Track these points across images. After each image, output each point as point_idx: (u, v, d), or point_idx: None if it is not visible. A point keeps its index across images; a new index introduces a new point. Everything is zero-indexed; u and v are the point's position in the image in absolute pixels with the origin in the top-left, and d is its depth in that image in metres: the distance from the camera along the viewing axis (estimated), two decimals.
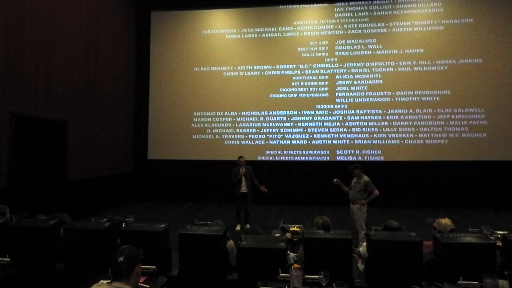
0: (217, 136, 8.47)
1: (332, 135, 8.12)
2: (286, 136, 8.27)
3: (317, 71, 8.28)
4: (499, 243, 2.80)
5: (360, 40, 8.18)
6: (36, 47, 5.29)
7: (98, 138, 6.99)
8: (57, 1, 5.80)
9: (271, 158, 8.23)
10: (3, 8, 4.69)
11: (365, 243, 2.63)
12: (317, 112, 8.20)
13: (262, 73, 8.44)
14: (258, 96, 8.40)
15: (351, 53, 8.19)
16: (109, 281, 1.58)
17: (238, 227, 5.58)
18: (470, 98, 7.71)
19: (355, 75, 8.14)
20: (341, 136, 8.09)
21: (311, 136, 8.19)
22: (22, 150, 5.07)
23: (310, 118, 8.23)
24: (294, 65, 8.35)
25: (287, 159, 8.22)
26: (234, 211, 5.81)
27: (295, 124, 8.26)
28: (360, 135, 8.01)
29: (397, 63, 8.03)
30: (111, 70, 7.55)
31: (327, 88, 8.21)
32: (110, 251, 2.01)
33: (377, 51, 8.11)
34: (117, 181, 7.75)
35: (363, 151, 7.97)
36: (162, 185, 8.56)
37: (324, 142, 8.14)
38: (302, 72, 8.32)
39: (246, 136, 8.38)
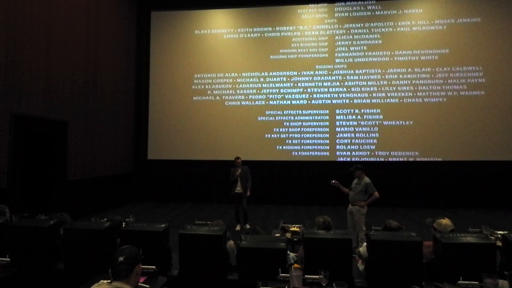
0: (217, 98, 8.52)
1: (332, 94, 8.21)
2: (286, 97, 8.35)
3: (316, 32, 8.36)
4: (499, 243, 2.80)
5: (359, 1, 8.26)
6: (36, 47, 5.29)
7: (98, 138, 6.99)
8: (57, 1, 5.80)
9: (271, 118, 8.32)
10: (3, 8, 4.69)
11: (365, 243, 2.63)
12: (316, 72, 8.29)
13: (262, 35, 8.51)
14: (258, 58, 8.48)
15: (350, 14, 8.28)
16: (109, 281, 1.58)
17: (238, 227, 5.59)
18: (468, 56, 7.79)
19: (355, 36, 8.23)
20: (340, 96, 8.18)
21: (310, 96, 8.27)
22: (22, 150, 5.07)
23: (310, 78, 8.31)
24: (294, 27, 8.43)
25: (286, 125, 8.26)
26: (234, 211, 5.82)
27: (295, 85, 8.35)
28: (359, 95, 8.11)
29: (396, 24, 8.12)
30: (111, 70, 7.55)
31: (326, 49, 8.29)
32: (110, 251, 2.01)
33: (376, 12, 8.19)
34: (117, 181, 7.76)
35: (362, 110, 8.05)
36: (162, 185, 8.56)
37: (323, 102, 8.23)
38: (302, 33, 8.40)
39: (247, 97, 8.46)
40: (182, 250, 2.48)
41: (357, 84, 8.12)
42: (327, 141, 8.12)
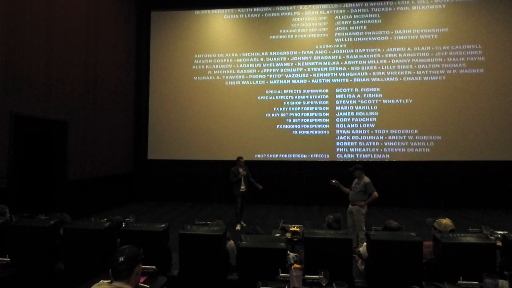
0: (217, 78, 8.57)
1: (331, 74, 8.25)
2: (286, 76, 8.38)
3: (316, 12, 8.42)
4: (499, 243, 2.80)
5: None
6: (36, 47, 5.29)
7: (98, 138, 6.99)
8: (57, 1, 5.80)
9: (271, 98, 8.37)
10: (3, 8, 4.69)
11: (365, 243, 2.63)
12: (316, 52, 8.33)
13: (262, 15, 8.55)
14: (258, 38, 8.52)
15: None
16: (109, 281, 1.58)
17: (238, 227, 5.60)
18: (467, 35, 7.84)
19: (354, 15, 8.27)
20: (340, 75, 8.22)
21: (310, 75, 8.32)
22: (22, 150, 5.07)
23: (310, 58, 8.35)
24: (294, 7, 8.47)
25: (286, 104, 8.31)
26: (234, 211, 5.83)
27: (295, 64, 8.39)
28: (359, 74, 8.15)
29: (395, 3, 8.16)
30: (111, 70, 7.55)
31: (326, 29, 8.34)
32: (110, 251, 2.01)
33: None
34: (117, 181, 7.76)
35: (361, 89, 8.09)
36: (162, 185, 8.56)
37: (323, 81, 8.27)
38: (302, 13, 8.45)
39: (247, 77, 8.50)
40: (182, 250, 2.48)
41: (356, 63, 8.18)
42: (327, 120, 8.18)
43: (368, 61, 8.12)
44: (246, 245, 2.34)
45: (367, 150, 7.95)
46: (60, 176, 5.90)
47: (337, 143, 8.08)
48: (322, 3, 8.38)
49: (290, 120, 8.28)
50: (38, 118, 5.35)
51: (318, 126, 8.18)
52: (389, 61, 8.06)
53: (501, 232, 3.19)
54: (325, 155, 8.10)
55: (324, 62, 8.29)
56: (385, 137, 7.94)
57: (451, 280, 2.05)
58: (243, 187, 5.71)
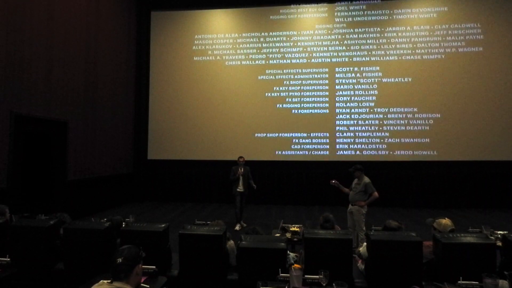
0: (218, 58, 8.60)
1: (331, 53, 8.30)
2: (286, 56, 8.43)
3: None
4: (499, 243, 2.80)
5: None
6: (36, 47, 5.29)
7: (98, 138, 6.99)
8: (57, 1, 5.80)
9: (271, 77, 8.41)
10: (3, 8, 4.69)
11: (365, 243, 2.63)
12: (316, 31, 8.38)
13: None
14: (259, 18, 8.57)
15: None
16: (109, 281, 1.58)
17: (238, 227, 5.60)
18: (467, 13, 7.89)
19: None
20: (340, 54, 8.27)
21: (310, 55, 8.36)
22: (22, 150, 5.07)
23: (310, 37, 8.40)
24: None
25: (286, 83, 8.37)
26: (234, 211, 5.83)
27: (295, 44, 8.43)
28: (358, 53, 8.20)
29: None
30: (111, 70, 7.55)
31: (326, 8, 8.40)
32: (110, 251, 2.01)
33: None
34: (117, 181, 7.75)
35: (361, 68, 8.14)
36: (162, 185, 8.56)
37: (323, 61, 8.32)
38: None
39: (247, 57, 8.53)
40: (182, 250, 2.48)
41: (356, 42, 8.22)
42: (327, 99, 8.22)
43: (367, 40, 8.19)
44: (246, 245, 2.34)
45: (366, 128, 8.03)
46: (60, 176, 5.90)
47: (337, 122, 8.15)
48: None
49: (290, 99, 8.34)
50: (38, 118, 5.35)
51: (318, 105, 8.25)
52: (388, 40, 8.13)
53: (501, 232, 3.19)
54: (325, 134, 8.17)
55: (324, 42, 8.35)
56: (385, 116, 8.01)
57: (451, 280, 2.06)
58: (240, 187, 5.69)
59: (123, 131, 8.08)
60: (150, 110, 8.76)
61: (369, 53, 8.16)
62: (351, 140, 8.06)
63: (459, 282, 2.02)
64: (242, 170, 5.68)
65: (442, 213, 6.60)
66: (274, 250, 2.29)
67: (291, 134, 8.25)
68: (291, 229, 3.52)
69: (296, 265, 2.09)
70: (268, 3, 8.51)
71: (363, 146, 8.01)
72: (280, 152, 8.25)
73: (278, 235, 3.20)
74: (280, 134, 8.29)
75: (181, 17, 8.82)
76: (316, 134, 8.17)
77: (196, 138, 8.52)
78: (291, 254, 2.75)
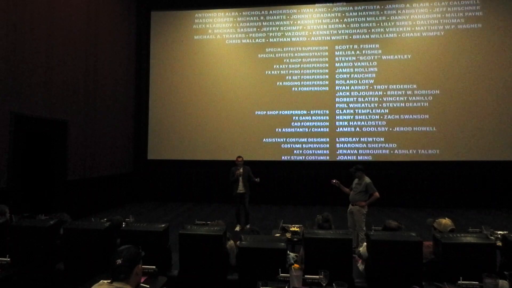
0: (218, 36, 8.63)
1: (331, 31, 8.36)
2: (286, 34, 8.48)
3: None
4: (499, 243, 2.80)
5: None
6: (36, 47, 5.29)
7: (98, 138, 6.99)
8: (57, 1, 5.80)
9: (271, 55, 8.45)
10: (3, 8, 4.69)
11: (365, 243, 2.63)
12: (316, 9, 8.44)
13: None
14: None
15: None
16: (109, 281, 1.58)
17: (238, 227, 5.57)
18: None
19: None
20: (339, 32, 8.33)
21: (310, 33, 8.41)
22: (22, 150, 5.06)
23: (309, 15, 8.45)
24: None
25: (286, 61, 8.42)
26: (234, 211, 5.80)
27: (295, 22, 8.48)
28: (358, 30, 8.26)
29: None
30: (111, 70, 7.55)
31: None
32: (110, 251, 2.01)
33: None
34: (117, 181, 7.75)
35: (361, 45, 8.20)
36: (162, 185, 8.56)
37: (323, 39, 8.37)
38: None
39: (247, 35, 8.56)
40: (182, 250, 2.48)
41: (356, 20, 8.28)
42: (327, 76, 8.28)
43: (367, 18, 8.25)
44: (246, 245, 2.33)
45: (366, 105, 8.08)
46: (60, 176, 5.89)
47: (337, 99, 8.21)
48: None
49: (290, 77, 8.40)
50: (38, 118, 5.35)
51: (318, 82, 8.31)
52: (388, 18, 8.19)
53: (501, 232, 3.19)
54: (324, 111, 8.22)
55: (323, 20, 8.40)
56: (384, 92, 8.06)
57: (451, 280, 2.05)
58: (240, 189, 5.52)
59: (123, 131, 8.08)
60: (150, 110, 8.76)
61: (369, 30, 8.23)
62: (350, 117, 8.13)
63: (459, 282, 2.02)
64: (241, 170, 5.54)
65: (442, 213, 6.60)
66: (274, 250, 2.29)
67: (291, 112, 8.32)
68: (291, 229, 3.52)
69: (296, 265, 2.09)
70: None
71: (362, 123, 8.07)
72: (280, 130, 8.31)
73: (278, 235, 3.20)
74: (280, 112, 8.35)
75: (181, 17, 8.82)
76: (316, 112, 8.24)
77: (196, 138, 8.52)
78: (291, 254, 2.75)
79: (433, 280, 2.14)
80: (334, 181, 4.60)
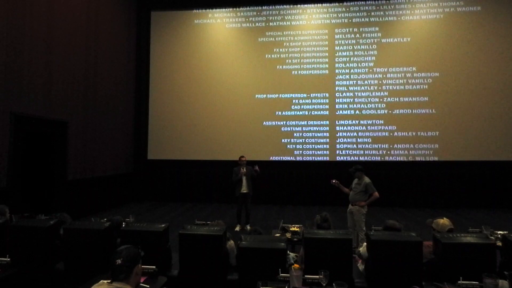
0: (218, 21, 8.68)
1: (331, 14, 8.41)
2: (286, 18, 8.53)
3: None
4: (499, 243, 2.80)
5: None
6: (36, 47, 5.29)
7: (98, 138, 6.99)
8: (57, 2, 5.80)
9: (271, 39, 8.52)
10: (3, 8, 4.69)
11: (365, 243, 2.63)
12: None
13: None
14: None
15: None
16: (109, 281, 1.58)
17: (238, 228, 5.57)
18: None
19: None
20: (339, 16, 8.38)
21: (310, 16, 8.48)
22: (22, 150, 5.06)
23: None
24: None
25: (286, 45, 8.47)
26: (234, 211, 5.79)
27: (294, 6, 8.53)
28: (358, 14, 8.30)
29: None
30: (111, 70, 7.55)
31: None
32: (110, 251, 2.01)
33: None
34: (117, 181, 7.75)
35: (360, 29, 8.25)
36: (162, 185, 8.56)
37: (322, 22, 8.43)
38: None
39: (247, 19, 8.62)
40: (182, 250, 2.48)
41: (355, 3, 8.35)
42: (326, 60, 8.33)
43: (367, 1, 8.27)
44: (246, 245, 2.33)
45: (365, 88, 8.12)
46: (60, 176, 5.89)
47: (336, 82, 8.23)
48: None
49: (290, 61, 8.44)
50: (38, 118, 5.35)
51: (318, 66, 8.35)
52: (387, 1, 8.22)
53: (501, 232, 3.19)
54: (324, 94, 8.26)
55: (323, 3, 8.44)
56: (384, 75, 8.09)
57: (451, 280, 2.06)
58: (243, 188, 5.49)
59: (123, 131, 8.08)
60: (150, 110, 8.76)
61: (368, 13, 8.26)
62: (350, 100, 8.16)
63: (459, 282, 2.02)
64: (245, 170, 5.51)
65: (442, 213, 6.60)
66: (274, 250, 2.29)
67: (291, 95, 8.36)
68: (291, 229, 3.52)
69: (296, 265, 2.09)
70: None
71: (362, 105, 8.10)
72: (280, 113, 8.34)
73: (278, 235, 3.20)
74: (280, 95, 8.39)
75: (181, 17, 8.82)
76: (316, 95, 8.28)
77: (196, 138, 8.52)
78: (291, 254, 2.75)
79: (433, 280, 2.15)
80: (334, 181, 4.61)
